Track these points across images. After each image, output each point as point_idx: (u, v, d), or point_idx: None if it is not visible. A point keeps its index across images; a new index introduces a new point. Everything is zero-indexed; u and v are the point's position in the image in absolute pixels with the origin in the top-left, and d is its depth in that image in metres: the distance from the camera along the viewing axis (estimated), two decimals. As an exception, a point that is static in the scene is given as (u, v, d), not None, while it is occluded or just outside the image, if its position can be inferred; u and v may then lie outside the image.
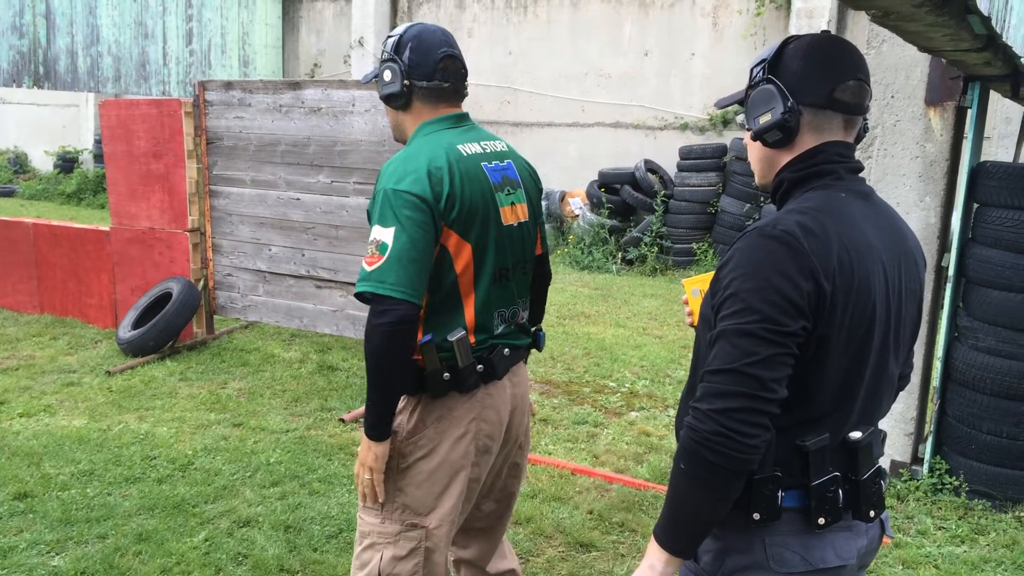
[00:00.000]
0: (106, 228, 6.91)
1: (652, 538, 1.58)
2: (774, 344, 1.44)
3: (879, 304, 1.56)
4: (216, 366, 6.03)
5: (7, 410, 5.04)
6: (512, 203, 2.26)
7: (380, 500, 2.16)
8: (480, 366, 2.19)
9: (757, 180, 1.75)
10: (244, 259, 6.33)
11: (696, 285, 1.89)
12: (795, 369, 1.48)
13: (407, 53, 2.19)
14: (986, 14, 1.93)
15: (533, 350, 2.47)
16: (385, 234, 2.02)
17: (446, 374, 2.14)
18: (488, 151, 2.26)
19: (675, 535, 1.54)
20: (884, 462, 4.44)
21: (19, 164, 17.94)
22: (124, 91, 11.91)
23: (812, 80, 1.58)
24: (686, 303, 1.95)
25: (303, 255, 6.03)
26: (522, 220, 2.30)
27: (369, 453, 2.12)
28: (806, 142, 1.62)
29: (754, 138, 1.66)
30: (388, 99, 2.24)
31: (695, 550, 1.58)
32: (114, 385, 5.54)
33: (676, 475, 1.52)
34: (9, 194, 15.89)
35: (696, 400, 1.49)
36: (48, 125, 17.54)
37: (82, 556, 3.42)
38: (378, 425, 2.10)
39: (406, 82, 2.19)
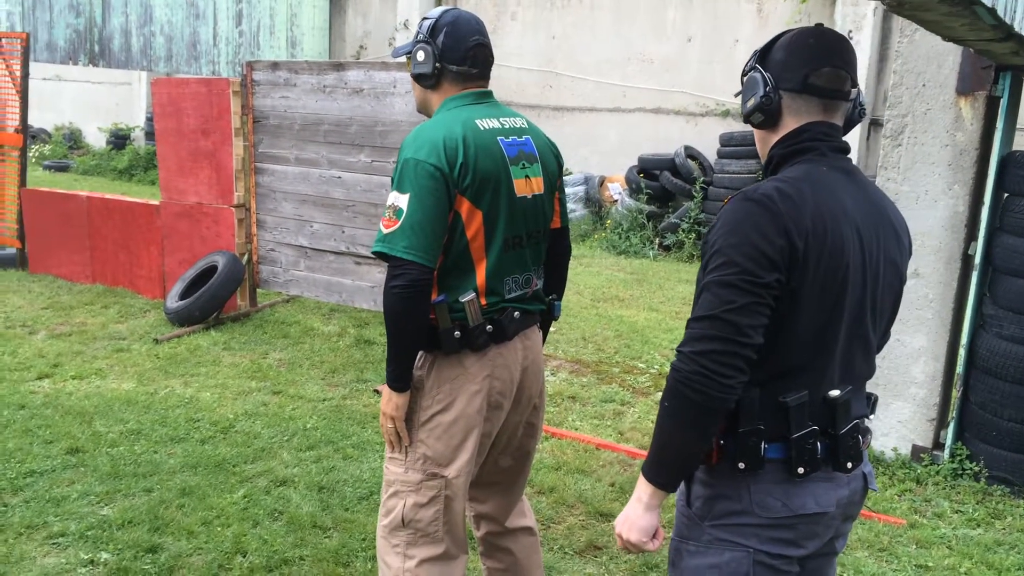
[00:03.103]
0: (156, 203, 7.16)
1: (640, 475, 1.74)
2: (750, 294, 1.60)
3: (852, 266, 1.70)
4: (258, 337, 6.25)
5: (61, 372, 5.30)
6: (527, 176, 2.40)
7: (405, 444, 2.33)
8: (490, 327, 2.34)
9: (761, 159, 1.88)
10: (287, 235, 6.53)
11: None
12: (772, 321, 1.64)
13: (441, 37, 2.34)
14: (989, 5, 2.00)
15: (552, 320, 2.62)
16: (401, 200, 2.19)
17: (457, 332, 2.29)
18: (506, 127, 2.40)
19: (659, 470, 1.71)
20: (906, 446, 4.50)
21: (73, 140, 18.44)
22: (175, 70, 12.20)
23: (790, 68, 1.76)
24: None
25: (343, 232, 6.21)
26: (537, 193, 2.43)
27: (390, 403, 2.30)
28: (788, 124, 1.79)
29: (744, 120, 1.84)
30: (419, 78, 2.39)
31: (677, 484, 1.74)
32: (161, 352, 5.79)
33: (661, 413, 1.69)
34: (64, 169, 16.36)
35: (680, 344, 1.66)
36: (102, 102, 17.99)
37: (129, 507, 3.65)
38: (399, 377, 2.28)
39: (437, 64, 2.34)
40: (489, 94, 2.43)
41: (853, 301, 1.72)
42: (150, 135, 16.34)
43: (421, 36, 2.36)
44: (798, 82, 1.75)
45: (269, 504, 3.74)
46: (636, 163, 11.48)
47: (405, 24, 13.31)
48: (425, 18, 2.39)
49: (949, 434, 4.43)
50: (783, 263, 1.62)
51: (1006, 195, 4.27)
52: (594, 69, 12.28)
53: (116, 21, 11.27)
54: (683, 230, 10.67)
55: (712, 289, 1.63)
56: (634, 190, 11.30)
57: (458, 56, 2.34)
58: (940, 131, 4.29)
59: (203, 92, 6.65)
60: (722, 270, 1.62)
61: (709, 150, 11.18)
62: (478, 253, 2.30)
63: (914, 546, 3.73)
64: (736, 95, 1.95)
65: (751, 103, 1.78)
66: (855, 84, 1.80)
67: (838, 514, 1.78)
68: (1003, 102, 4.15)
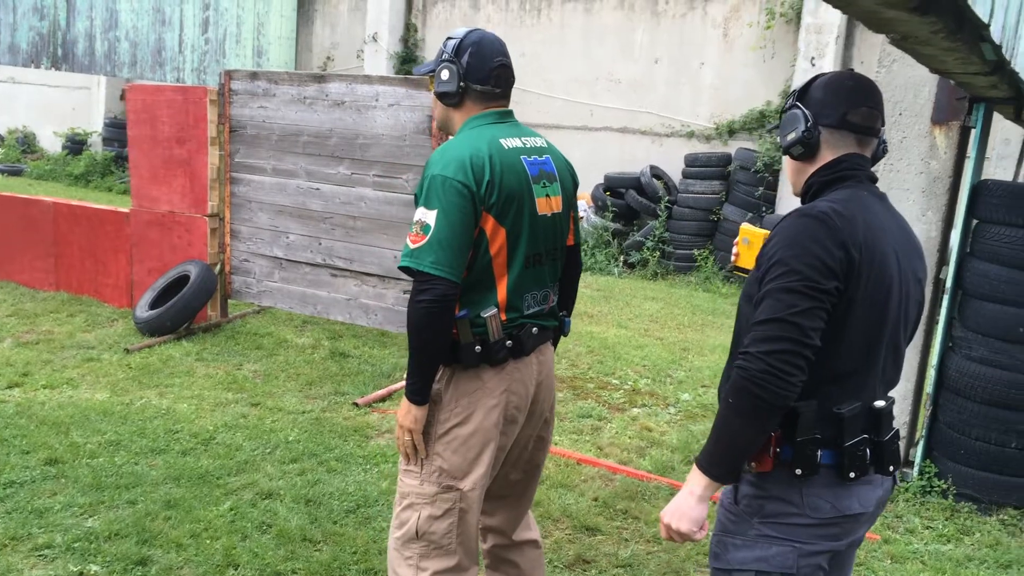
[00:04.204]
0: (126, 209, 7.06)
1: (694, 467, 1.85)
2: (812, 299, 1.74)
3: (894, 280, 1.86)
4: (231, 348, 6.19)
5: (31, 381, 5.20)
6: (547, 195, 2.46)
7: (423, 457, 2.35)
8: (509, 342, 2.39)
9: (793, 191, 2.05)
10: (261, 245, 6.49)
11: (747, 235, 2.36)
12: (828, 327, 1.77)
13: (466, 57, 2.39)
14: (998, 42, 2.12)
15: (562, 336, 2.67)
16: (429, 216, 2.23)
17: (478, 347, 2.33)
18: (528, 146, 2.45)
19: (717, 462, 1.83)
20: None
21: (27, 144, 18.04)
22: (139, 76, 12.04)
23: (830, 106, 1.91)
24: (736, 244, 2.46)
25: (320, 244, 6.20)
26: (556, 211, 2.49)
27: (408, 416, 2.32)
28: (825, 156, 1.94)
29: (784, 153, 1.98)
30: (442, 96, 2.43)
31: (731, 479, 1.86)
32: (133, 362, 5.70)
33: (723, 409, 1.80)
34: (17, 173, 15.99)
35: (746, 346, 1.78)
36: (58, 107, 17.64)
37: (114, 519, 3.59)
38: (420, 391, 2.31)
39: (462, 84, 2.39)
40: (510, 114, 2.48)
41: (893, 313, 1.87)
42: (108, 140, 16.10)
43: (446, 55, 2.40)
44: (836, 119, 1.90)
45: (256, 517, 3.72)
46: (602, 181, 11.61)
47: (374, 37, 13.31)
48: (449, 37, 2.43)
49: (918, 452, 4.56)
50: (841, 272, 1.76)
51: (976, 222, 4.43)
52: (562, 87, 12.41)
53: (80, 25, 11.09)
54: (648, 248, 10.82)
55: (775, 295, 1.76)
56: (600, 208, 11.43)
57: (482, 76, 2.39)
58: (915, 159, 4.45)
59: (179, 100, 6.60)
60: (784, 278, 1.75)
61: (674, 170, 11.36)
62: (500, 269, 2.34)
63: (889, 561, 3.84)
64: (774, 128, 2.12)
65: (792, 136, 1.93)
66: (883, 123, 1.95)
67: (873, 512, 1.94)
68: (976, 132, 4.32)
